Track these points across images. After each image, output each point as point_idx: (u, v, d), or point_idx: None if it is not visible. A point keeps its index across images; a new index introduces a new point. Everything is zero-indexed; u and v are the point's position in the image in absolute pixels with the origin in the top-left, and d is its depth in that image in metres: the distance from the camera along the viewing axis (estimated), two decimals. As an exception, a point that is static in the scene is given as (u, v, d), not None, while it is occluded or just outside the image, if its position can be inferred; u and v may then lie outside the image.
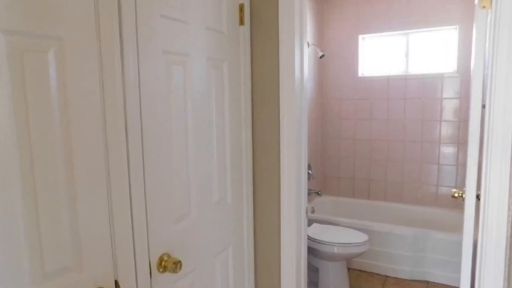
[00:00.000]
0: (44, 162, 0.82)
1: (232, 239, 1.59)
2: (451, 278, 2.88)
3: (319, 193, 3.49)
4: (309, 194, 3.28)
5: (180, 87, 1.24)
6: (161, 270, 1.15)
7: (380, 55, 3.68)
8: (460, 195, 1.55)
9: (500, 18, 1.23)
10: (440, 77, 3.35)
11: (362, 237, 2.65)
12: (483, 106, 1.33)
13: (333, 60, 3.80)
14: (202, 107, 1.35)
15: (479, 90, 1.35)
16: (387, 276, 3.07)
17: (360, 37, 3.67)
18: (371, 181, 3.79)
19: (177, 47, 1.21)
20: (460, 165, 3.36)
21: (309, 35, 3.45)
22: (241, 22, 1.56)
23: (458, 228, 3.06)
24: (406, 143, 3.57)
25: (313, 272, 2.80)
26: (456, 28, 3.27)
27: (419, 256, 2.97)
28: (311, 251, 2.64)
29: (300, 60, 1.62)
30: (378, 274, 3.10)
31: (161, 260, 1.16)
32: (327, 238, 2.62)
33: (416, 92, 3.47)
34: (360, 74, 3.71)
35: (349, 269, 3.16)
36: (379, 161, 3.72)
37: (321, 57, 3.43)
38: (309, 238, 2.61)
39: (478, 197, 1.39)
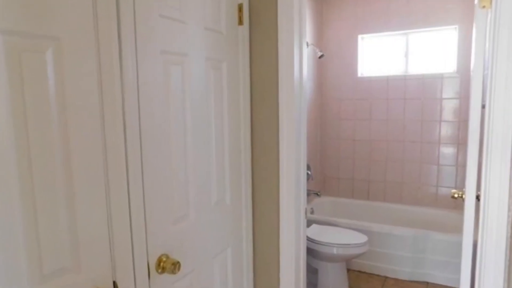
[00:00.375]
0: (42, 163, 0.82)
1: (231, 240, 1.58)
2: (451, 279, 2.87)
3: (318, 193, 3.49)
4: (308, 194, 3.28)
5: (179, 88, 1.23)
6: (159, 271, 1.15)
7: (379, 55, 3.67)
8: (460, 195, 1.55)
9: (500, 18, 1.22)
10: (440, 77, 3.35)
11: (361, 238, 2.64)
12: (483, 106, 1.33)
13: (332, 60, 3.80)
14: (201, 108, 1.35)
15: (479, 90, 1.34)
16: (386, 277, 3.06)
17: (360, 37, 3.67)
18: (371, 182, 3.78)
19: (176, 47, 1.20)
20: (460, 166, 3.36)
21: (308, 35, 3.44)
22: (240, 22, 1.56)
23: (458, 229, 3.06)
24: (406, 143, 3.57)
25: (312, 273, 2.80)
26: (456, 28, 3.27)
27: (419, 257, 2.97)
28: (310, 252, 2.64)
29: (299, 60, 1.62)
30: (378, 275, 3.10)
31: (159, 261, 1.16)
32: (326, 239, 2.61)
33: (416, 92, 3.47)
34: (359, 74, 3.71)
35: (348, 270, 3.15)
36: (379, 162, 3.72)
37: (320, 57, 3.43)
38: (308, 239, 2.61)
39: (478, 197, 1.39)
